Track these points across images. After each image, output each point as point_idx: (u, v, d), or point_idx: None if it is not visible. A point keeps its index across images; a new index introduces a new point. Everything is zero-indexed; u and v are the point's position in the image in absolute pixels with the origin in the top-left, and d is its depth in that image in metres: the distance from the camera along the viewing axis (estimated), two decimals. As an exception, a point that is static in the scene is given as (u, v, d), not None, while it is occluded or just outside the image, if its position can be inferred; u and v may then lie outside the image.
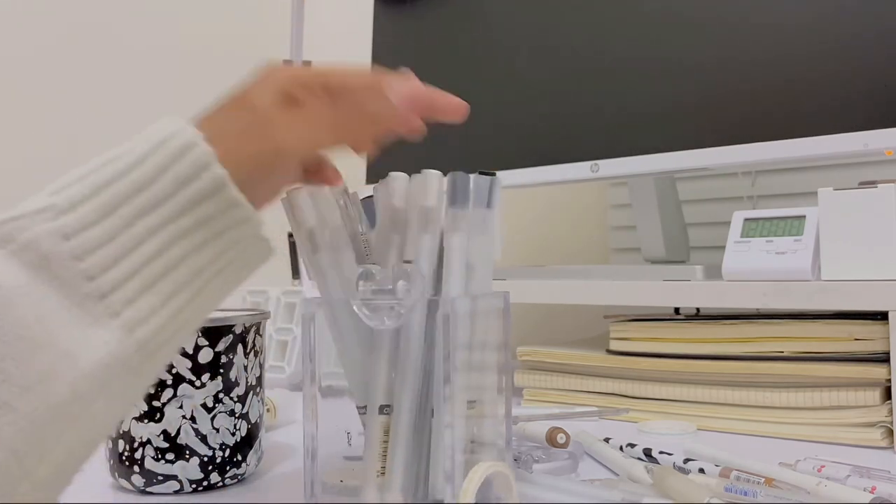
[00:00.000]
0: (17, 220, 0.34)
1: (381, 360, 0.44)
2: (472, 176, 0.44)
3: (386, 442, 0.43)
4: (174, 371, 0.53)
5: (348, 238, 0.46)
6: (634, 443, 0.59)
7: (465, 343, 0.43)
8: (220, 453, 0.54)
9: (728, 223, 0.72)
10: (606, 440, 0.61)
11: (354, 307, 0.43)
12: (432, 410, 0.43)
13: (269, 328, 0.97)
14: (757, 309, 0.69)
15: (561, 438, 0.59)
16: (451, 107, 0.47)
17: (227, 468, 0.55)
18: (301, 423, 0.75)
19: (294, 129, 0.40)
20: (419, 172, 0.45)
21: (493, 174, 0.45)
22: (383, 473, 0.43)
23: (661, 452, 0.57)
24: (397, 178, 0.46)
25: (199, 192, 0.36)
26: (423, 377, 0.43)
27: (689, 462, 0.55)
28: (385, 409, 0.43)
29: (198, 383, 0.53)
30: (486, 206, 0.44)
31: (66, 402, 0.32)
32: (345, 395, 0.46)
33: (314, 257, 0.45)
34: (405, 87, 0.44)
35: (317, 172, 0.44)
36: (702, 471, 0.53)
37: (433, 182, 0.44)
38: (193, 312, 0.37)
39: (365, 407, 0.45)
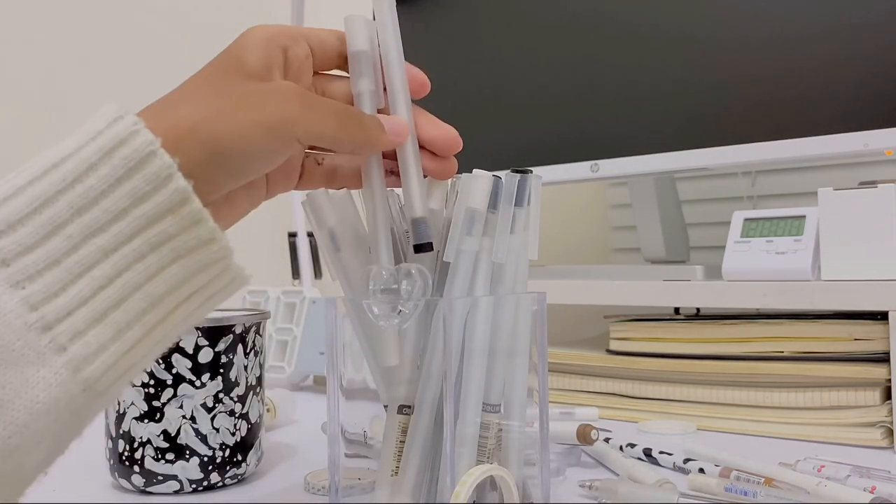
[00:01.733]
0: None
1: (404, 360, 0.43)
2: (503, 175, 0.43)
3: (403, 442, 0.43)
4: (174, 371, 0.53)
5: (369, 237, 0.45)
6: (634, 443, 0.59)
7: (482, 345, 0.42)
8: (220, 453, 0.54)
9: (728, 223, 0.72)
10: (606, 440, 0.61)
11: (364, 306, 0.43)
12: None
13: (269, 328, 0.97)
14: (757, 309, 0.69)
15: (595, 435, 0.58)
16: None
17: (227, 468, 0.55)
18: (301, 423, 0.76)
19: (304, 103, 0.36)
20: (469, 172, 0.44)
21: (527, 172, 0.44)
22: (397, 474, 0.43)
23: (661, 452, 0.57)
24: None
25: (157, 207, 0.31)
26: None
27: (689, 462, 0.55)
28: (404, 410, 0.43)
29: (198, 383, 0.53)
30: (517, 204, 0.43)
31: None
32: (365, 394, 0.46)
33: (336, 256, 0.45)
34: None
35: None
36: (702, 471, 0.53)
37: (482, 183, 0.42)
38: (150, 347, 0.33)
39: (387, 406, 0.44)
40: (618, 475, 0.54)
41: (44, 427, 0.29)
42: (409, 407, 0.43)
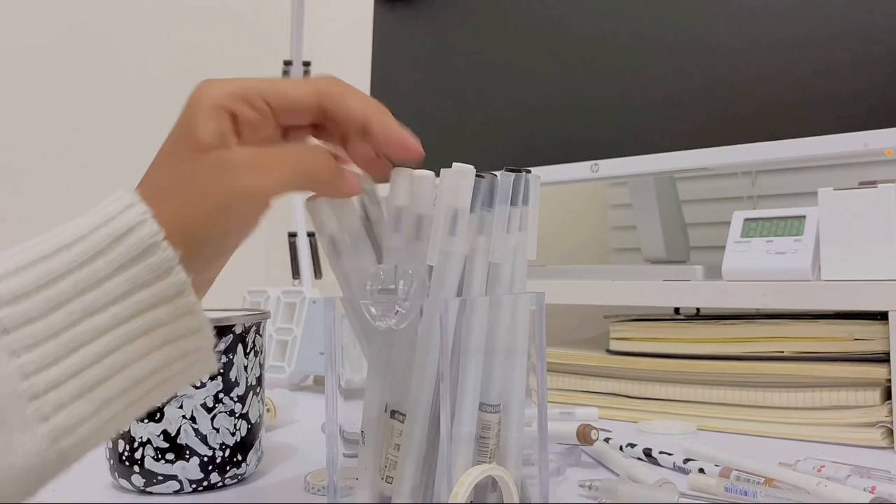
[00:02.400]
0: None
1: (400, 362, 0.43)
2: (499, 174, 0.42)
3: (399, 445, 0.43)
4: (174, 371, 0.53)
5: (370, 241, 0.45)
6: (634, 443, 0.59)
7: (479, 345, 0.42)
8: (220, 453, 0.54)
9: (728, 223, 0.72)
10: (606, 440, 0.61)
11: (362, 307, 0.43)
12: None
13: (269, 328, 0.97)
14: (757, 309, 0.69)
15: (595, 435, 0.58)
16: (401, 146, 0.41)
17: (227, 468, 0.55)
18: (301, 423, 0.76)
19: (256, 169, 0.36)
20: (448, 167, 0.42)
21: (521, 171, 0.43)
22: (390, 477, 0.43)
23: (661, 452, 0.57)
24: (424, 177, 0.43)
25: (156, 296, 0.33)
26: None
27: (689, 462, 0.55)
28: (397, 414, 0.43)
29: (198, 383, 0.53)
30: (513, 203, 0.42)
31: None
32: (363, 394, 0.46)
33: (337, 261, 0.45)
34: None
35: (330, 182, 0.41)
36: (702, 471, 0.53)
37: (465, 179, 0.41)
38: (121, 422, 0.34)
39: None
40: (618, 475, 0.54)
41: (13, 492, 0.31)
42: (403, 414, 0.43)
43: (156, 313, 0.33)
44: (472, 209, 0.41)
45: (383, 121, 0.40)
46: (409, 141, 0.40)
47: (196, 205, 0.35)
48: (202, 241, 0.35)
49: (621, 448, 0.59)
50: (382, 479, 0.43)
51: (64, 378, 0.31)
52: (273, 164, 0.36)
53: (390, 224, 0.42)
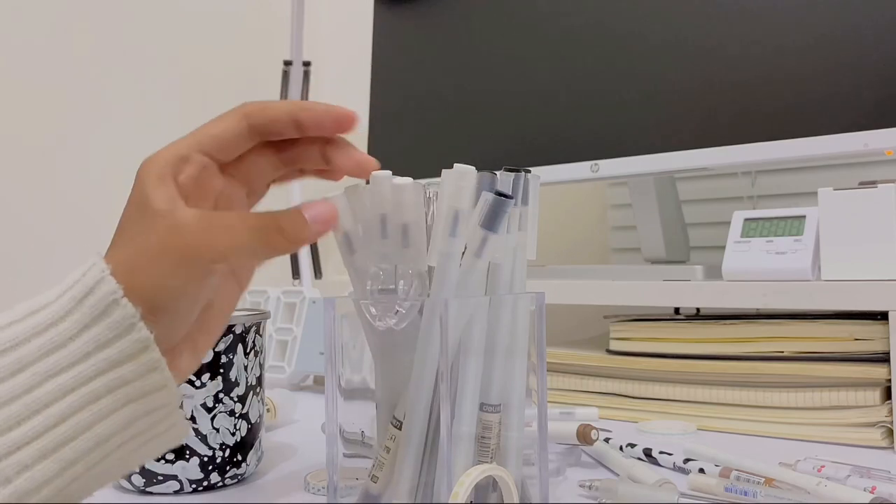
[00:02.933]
0: None
1: (401, 363, 0.43)
2: (497, 173, 0.42)
3: (388, 448, 0.43)
4: (174, 371, 0.53)
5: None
6: (634, 443, 0.59)
7: (479, 344, 0.42)
8: (221, 453, 0.54)
9: (728, 223, 0.72)
10: (606, 440, 0.61)
11: (363, 307, 0.43)
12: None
13: (269, 328, 0.97)
14: (757, 309, 0.69)
15: (595, 435, 0.58)
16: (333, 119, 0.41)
17: (227, 468, 0.55)
18: (301, 423, 0.76)
19: (203, 229, 0.36)
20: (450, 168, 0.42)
21: (520, 170, 0.43)
22: (376, 477, 0.43)
23: (661, 452, 0.57)
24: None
25: (120, 353, 0.34)
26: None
27: (689, 462, 0.55)
28: (393, 419, 0.43)
29: (198, 383, 0.53)
30: (514, 203, 0.42)
31: None
32: (363, 394, 0.46)
33: (351, 258, 0.45)
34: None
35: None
36: (702, 471, 0.53)
37: (466, 180, 0.41)
38: (89, 482, 0.34)
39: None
40: (618, 475, 0.54)
41: None
42: (399, 420, 0.43)
43: (119, 371, 0.34)
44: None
45: (307, 106, 0.40)
46: (341, 112, 0.41)
47: (152, 265, 0.35)
48: (161, 301, 0.35)
49: (621, 448, 0.59)
50: (369, 477, 0.43)
51: (26, 440, 0.32)
52: (221, 224, 0.37)
53: (375, 231, 0.42)
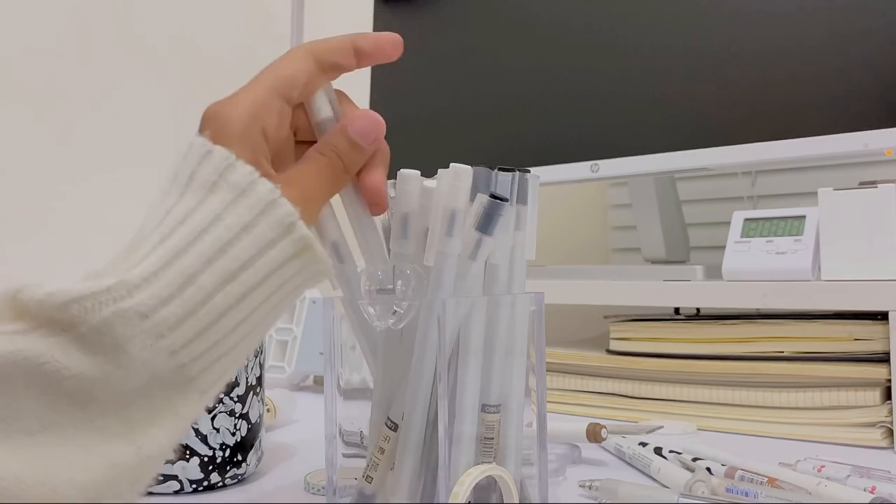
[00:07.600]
0: (82, 300, 0.30)
1: (398, 365, 0.43)
2: (494, 172, 0.42)
3: (383, 449, 0.43)
4: (174, 371, 0.52)
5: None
6: (646, 441, 0.59)
7: (477, 345, 0.42)
8: (221, 453, 0.54)
9: (728, 223, 0.72)
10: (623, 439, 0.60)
11: (360, 307, 0.42)
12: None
13: (269, 328, 0.97)
14: (757, 309, 0.69)
15: (604, 433, 0.58)
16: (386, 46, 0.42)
17: (228, 468, 0.55)
18: (301, 423, 0.76)
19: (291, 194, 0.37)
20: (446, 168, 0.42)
21: (515, 170, 0.43)
22: (370, 477, 0.43)
23: (670, 452, 0.57)
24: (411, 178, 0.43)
25: (283, 253, 0.34)
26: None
27: (696, 461, 0.54)
28: (389, 421, 0.43)
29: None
30: (511, 203, 0.42)
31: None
32: (362, 394, 0.46)
33: (340, 268, 0.45)
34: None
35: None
36: (708, 470, 0.52)
37: (462, 179, 0.41)
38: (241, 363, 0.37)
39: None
40: (650, 476, 0.54)
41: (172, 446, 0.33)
42: (394, 422, 0.42)
43: (285, 271, 0.34)
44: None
45: (364, 34, 0.42)
46: (393, 36, 0.42)
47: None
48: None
49: (642, 445, 0.59)
50: (363, 477, 0.43)
51: (207, 349, 0.33)
52: (303, 189, 0.38)
53: (395, 230, 0.42)
